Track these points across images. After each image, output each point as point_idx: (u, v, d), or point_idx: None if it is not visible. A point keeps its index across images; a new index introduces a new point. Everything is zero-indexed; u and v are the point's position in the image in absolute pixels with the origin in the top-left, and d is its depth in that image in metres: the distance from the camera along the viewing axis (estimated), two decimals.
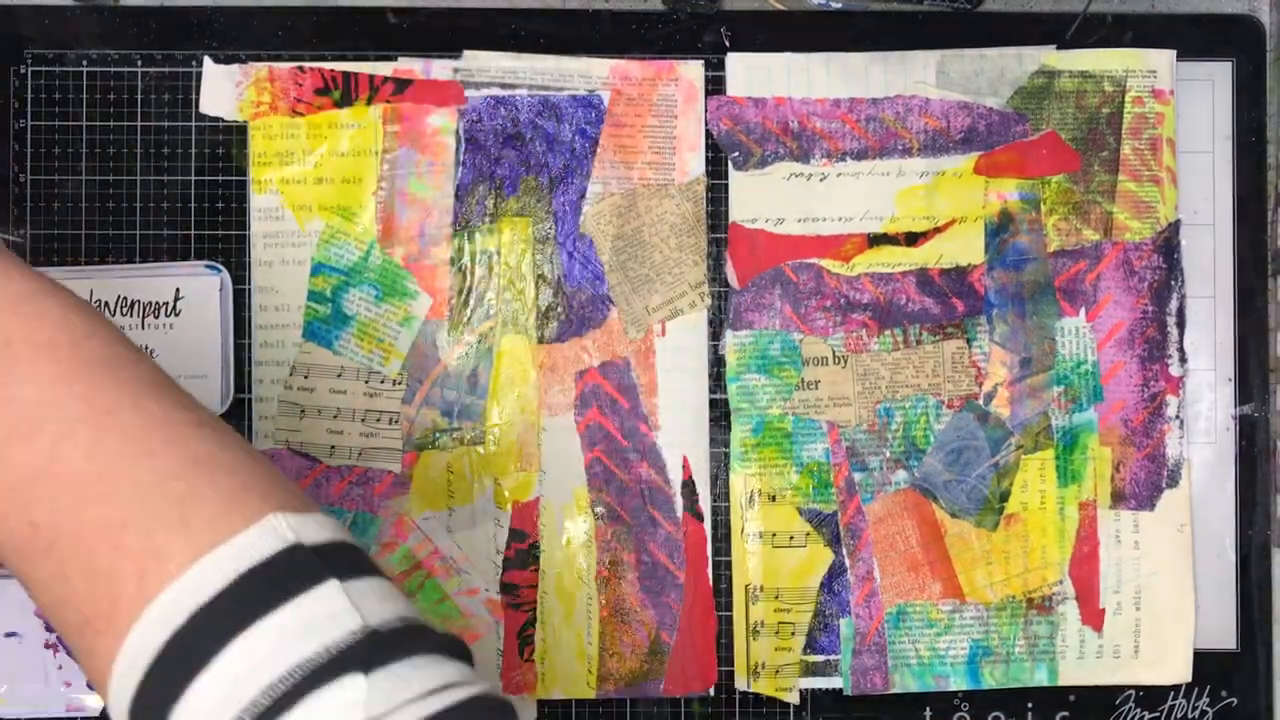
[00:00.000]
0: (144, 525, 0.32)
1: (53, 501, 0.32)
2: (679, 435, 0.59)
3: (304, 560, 0.32)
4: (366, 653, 0.30)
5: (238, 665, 0.29)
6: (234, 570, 0.31)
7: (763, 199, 0.59)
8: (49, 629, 0.57)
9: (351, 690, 0.29)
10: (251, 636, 0.30)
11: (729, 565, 0.59)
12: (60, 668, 0.58)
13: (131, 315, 0.58)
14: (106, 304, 0.58)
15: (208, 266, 0.58)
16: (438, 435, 0.58)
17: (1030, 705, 0.59)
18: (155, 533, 0.31)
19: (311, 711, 0.29)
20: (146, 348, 0.58)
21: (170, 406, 0.35)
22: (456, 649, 0.33)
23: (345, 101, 0.59)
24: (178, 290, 0.58)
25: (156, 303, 0.58)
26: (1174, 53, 0.60)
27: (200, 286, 0.58)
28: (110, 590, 0.31)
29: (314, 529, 0.33)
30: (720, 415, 0.59)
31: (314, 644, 0.30)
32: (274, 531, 0.32)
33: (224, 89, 0.59)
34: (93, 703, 0.58)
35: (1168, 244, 0.60)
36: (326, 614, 0.30)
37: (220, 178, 0.59)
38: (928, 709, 0.59)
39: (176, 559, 0.31)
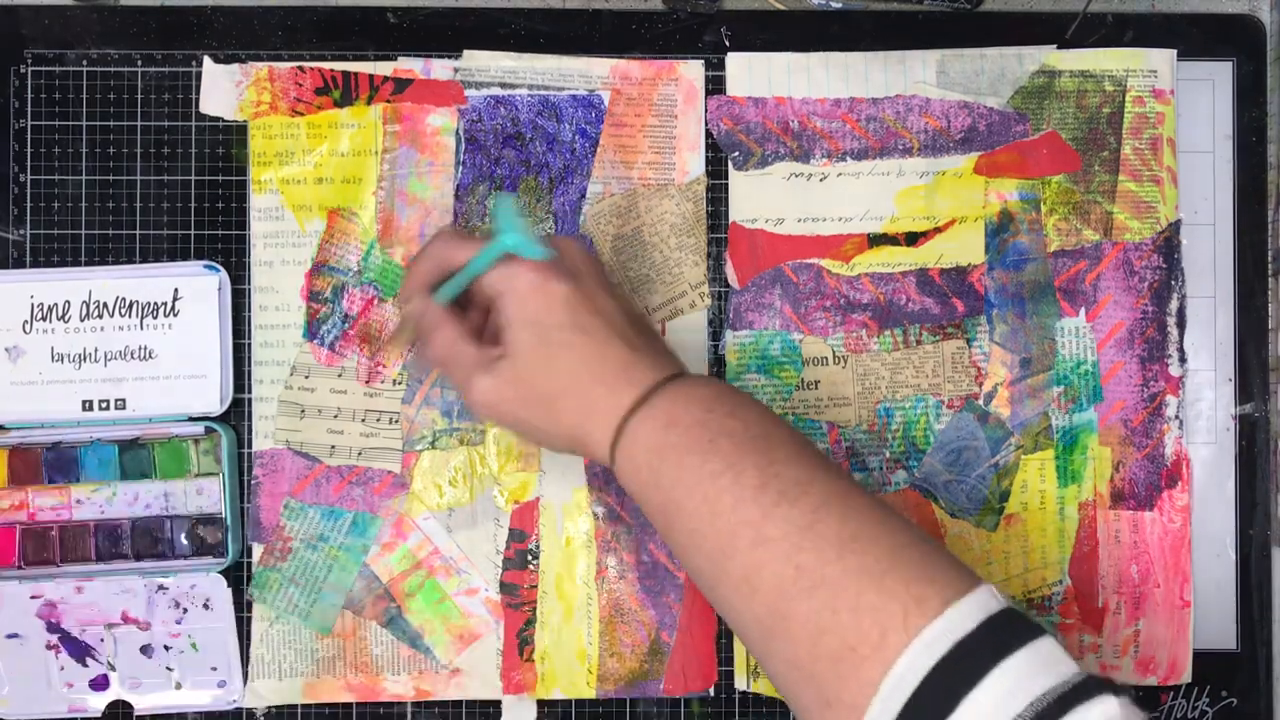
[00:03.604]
0: (901, 575, 0.39)
1: (818, 551, 0.40)
2: None
3: (1021, 618, 0.39)
4: (1100, 686, 0.37)
5: (999, 687, 0.36)
6: (978, 618, 0.38)
7: (763, 199, 0.59)
8: (50, 630, 0.58)
9: (1109, 706, 0.36)
10: (1004, 667, 0.37)
11: None
12: (62, 669, 0.58)
13: (130, 316, 0.58)
14: (105, 305, 0.58)
15: (206, 266, 0.58)
16: (438, 435, 0.58)
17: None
18: (911, 583, 0.39)
19: (1084, 715, 0.36)
20: (145, 348, 0.58)
21: (876, 501, 0.43)
22: (1124, 690, 0.39)
23: (345, 101, 0.59)
24: (176, 290, 0.58)
25: (155, 303, 0.58)
26: (1174, 52, 0.60)
27: (198, 286, 0.58)
28: (879, 622, 0.38)
29: (1007, 599, 0.40)
30: None
31: (1052, 678, 0.37)
32: (993, 596, 0.40)
33: (224, 89, 0.59)
34: (95, 703, 0.58)
35: (1168, 244, 0.60)
36: (1053, 658, 0.38)
37: (220, 177, 0.59)
38: None
39: (932, 603, 0.38)
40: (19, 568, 0.58)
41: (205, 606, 0.58)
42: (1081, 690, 0.36)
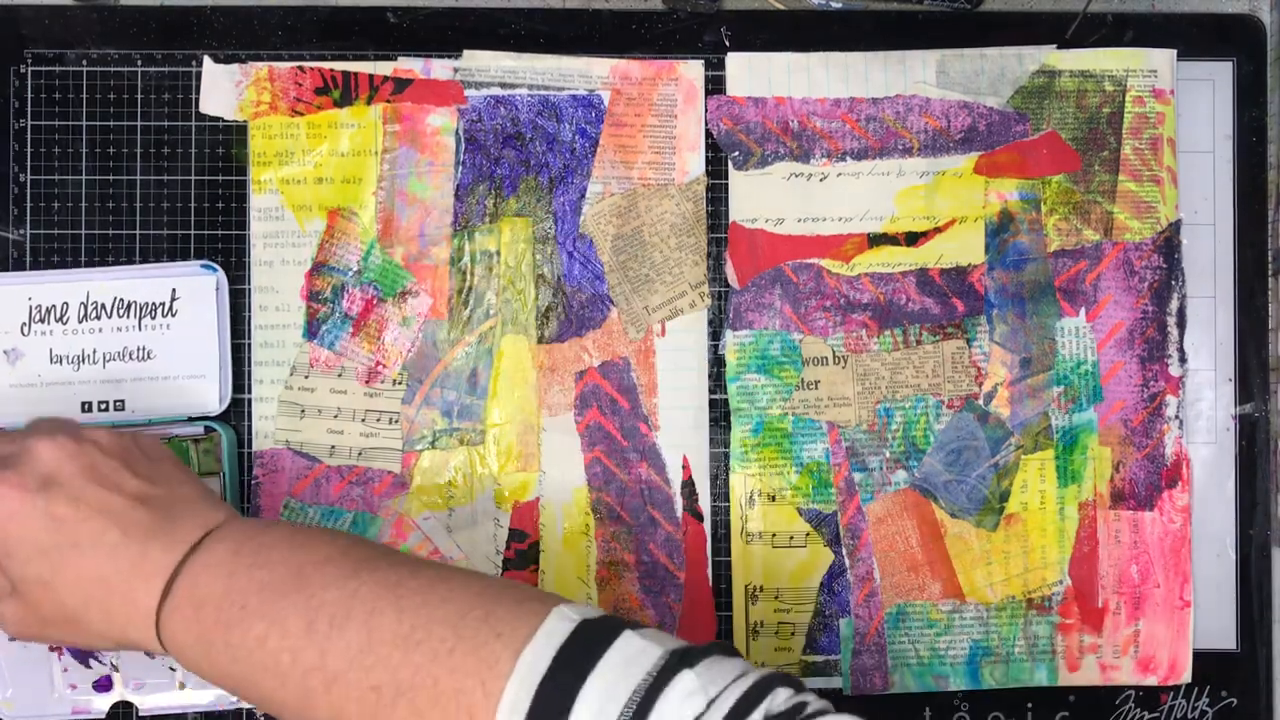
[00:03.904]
0: (468, 645, 0.39)
1: (385, 662, 0.40)
2: (679, 435, 0.59)
3: (597, 626, 0.40)
4: (681, 662, 0.38)
5: (592, 705, 0.37)
6: (552, 649, 0.39)
7: (763, 199, 0.59)
8: None
9: (688, 682, 0.37)
10: (592, 682, 0.37)
11: (729, 565, 0.59)
12: (65, 670, 0.58)
13: (128, 316, 0.58)
14: (103, 305, 0.58)
15: (203, 266, 0.58)
16: (438, 435, 0.58)
17: (1030, 705, 0.59)
18: (479, 649, 0.39)
19: (667, 705, 0.37)
20: (144, 349, 0.58)
21: (430, 568, 0.44)
22: (732, 650, 0.41)
23: (345, 101, 0.59)
24: (174, 291, 0.58)
25: (153, 303, 0.58)
26: (1174, 52, 0.60)
27: (196, 286, 0.58)
28: (462, 705, 0.39)
29: (587, 610, 0.41)
30: (720, 415, 0.59)
31: (640, 670, 0.38)
32: (565, 616, 0.40)
33: (224, 89, 0.59)
34: (99, 705, 0.58)
35: (1168, 244, 0.60)
36: (637, 650, 0.39)
37: (220, 177, 0.59)
38: (927, 709, 0.59)
39: (505, 659, 0.39)
40: None
41: None
42: (663, 676, 0.37)
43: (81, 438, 0.47)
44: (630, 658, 0.38)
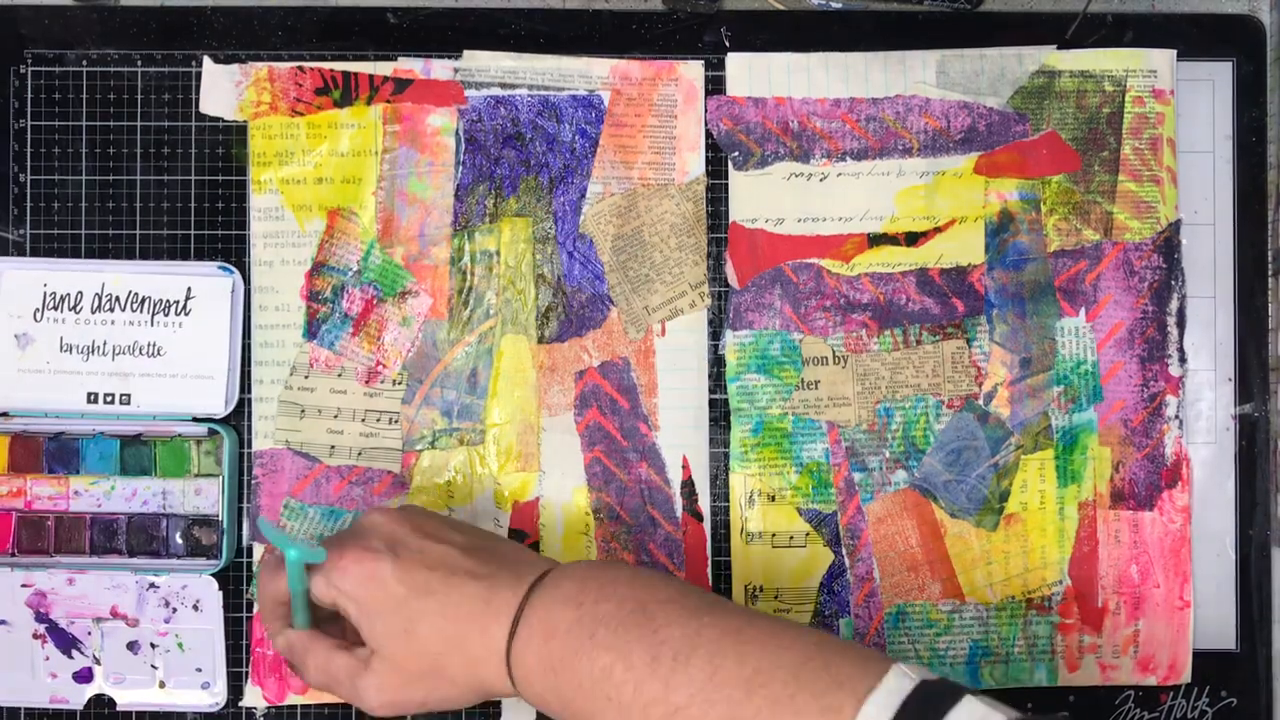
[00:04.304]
0: (810, 692, 0.40)
1: (728, 701, 0.41)
2: (679, 435, 0.59)
3: (938, 688, 0.40)
4: None
5: None
6: (895, 702, 0.39)
7: (763, 199, 0.59)
8: (37, 619, 0.58)
9: None
10: None
11: (729, 565, 0.59)
12: (47, 659, 0.58)
13: (142, 311, 0.58)
14: (118, 298, 0.58)
15: (220, 268, 0.58)
16: (438, 435, 0.58)
17: (1030, 705, 0.59)
18: (821, 695, 0.40)
19: None
20: (154, 345, 0.58)
21: (767, 618, 0.45)
22: None
23: (345, 101, 0.59)
24: (189, 289, 0.58)
25: (167, 300, 0.58)
26: (1174, 52, 0.60)
27: (212, 287, 0.58)
28: None
29: (925, 671, 0.41)
30: (720, 415, 0.59)
31: None
32: (905, 675, 0.40)
33: (224, 89, 0.59)
34: (77, 696, 0.58)
35: (1168, 244, 0.60)
36: (981, 715, 0.38)
37: (220, 178, 0.59)
38: None
39: (848, 707, 0.39)
40: (12, 554, 0.58)
41: (195, 608, 0.57)
42: None
43: (403, 508, 0.52)
44: None
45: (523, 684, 0.46)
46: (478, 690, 0.48)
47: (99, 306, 0.58)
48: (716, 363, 0.59)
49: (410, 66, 0.59)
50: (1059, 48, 0.60)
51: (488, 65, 0.59)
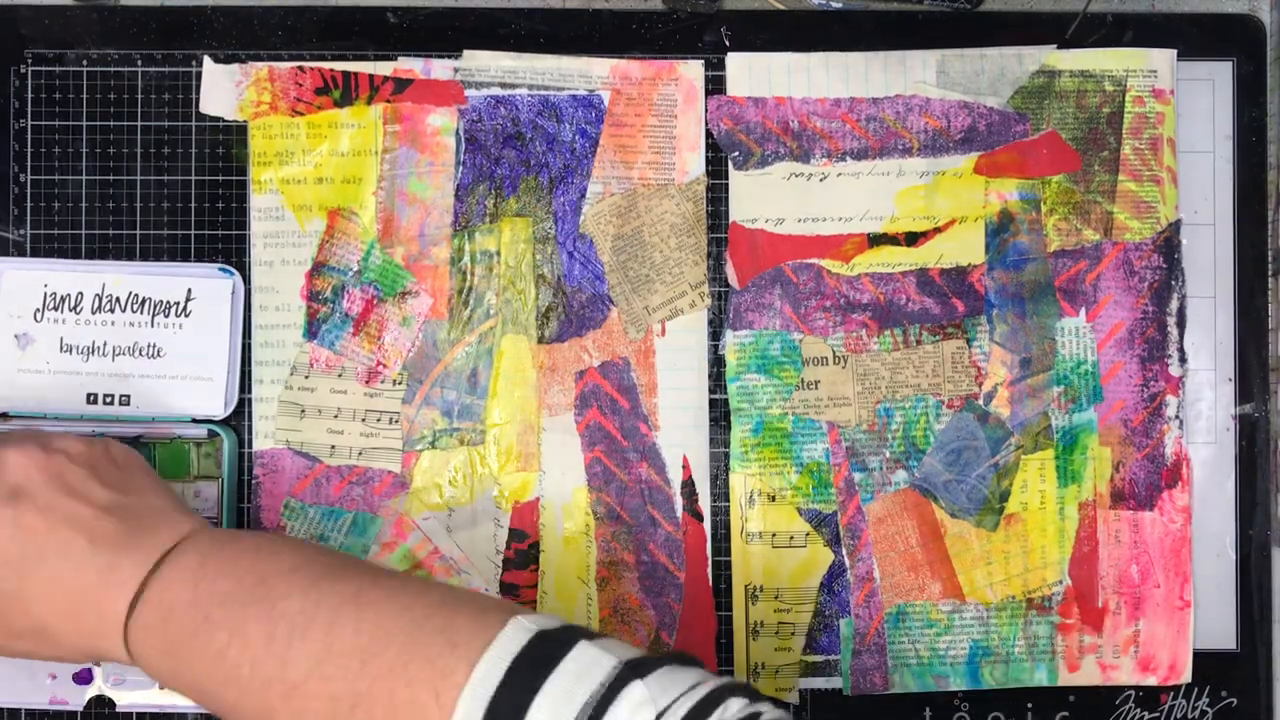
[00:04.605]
0: (424, 657, 0.39)
1: (343, 673, 0.40)
2: (679, 435, 0.59)
3: (553, 637, 0.40)
4: (633, 672, 0.38)
5: (544, 717, 0.37)
6: (506, 660, 0.38)
7: (763, 199, 0.59)
8: None
9: (637, 692, 0.37)
10: (545, 695, 0.37)
11: (729, 565, 0.59)
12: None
13: (142, 312, 0.58)
14: (118, 299, 0.58)
15: (220, 269, 0.58)
16: (438, 435, 0.58)
17: (1030, 705, 0.59)
18: (434, 660, 0.39)
19: (616, 717, 0.37)
20: (154, 346, 0.58)
21: (393, 577, 0.44)
22: (690, 659, 0.41)
23: (345, 101, 0.59)
24: (189, 291, 0.58)
25: (168, 302, 0.58)
26: (1174, 52, 0.60)
27: (212, 289, 0.58)
28: (417, 717, 0.38)
29: (545, 620, 0.41)
30: (720, 415, 0.59)
31: (593, 681, 0.38)
32: (521, 627, 0.40)
33: (224, 89, 0.59)
34: (76, 698, 0.58)
35: (1168, 244, 0.60)
36: (591, 660, 0.38)
37: (220, 178, 0.59)
38: (927, 709, 0.59)
39: (459, 671, 0.38)
40: None
41: None
42: (614, 686, 0.38)
43: (51, 447, 0.48)
44: (584, 668, 0.38)
45: (144, 663, 0.44)
46: (93, 655, 0.45)
47: (99, 307, 0.58)
48: (716, 363, 0.59)
49: (410, 66, 0.59)
50: (1059, 47, 0.60)
51: (488, 65, 0.59)
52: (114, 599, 0.44)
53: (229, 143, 0.59)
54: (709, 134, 0.59)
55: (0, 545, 0.44)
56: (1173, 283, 0.60)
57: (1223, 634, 0.60)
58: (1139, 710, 0.60)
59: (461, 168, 0.59)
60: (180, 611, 0.43)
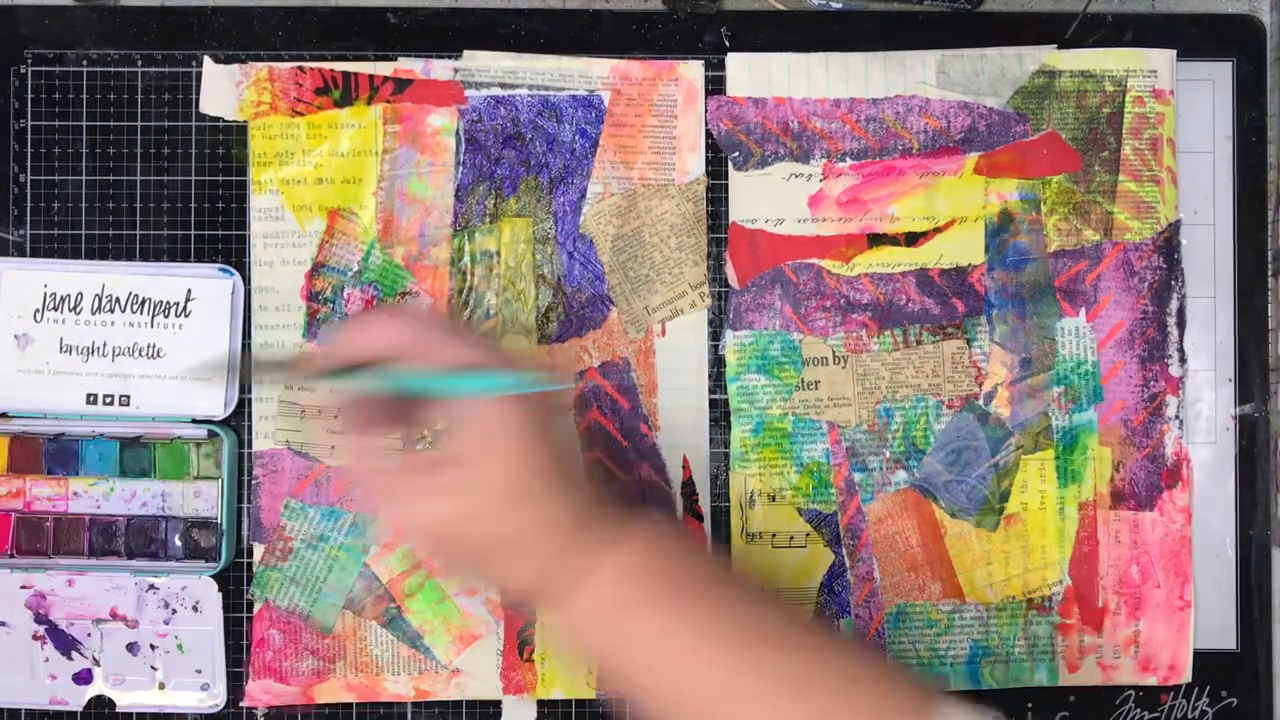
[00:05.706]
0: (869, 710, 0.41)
1: (773, 699, 0.41)
2: (679, 435, 0.59)
3: None
4: None
5: None
6: None
7: (763, 199, 0.59)
8: (38, 620, 0.57)
9: None
10: None
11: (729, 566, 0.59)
12: (46, 660, 0.58)
13: (141, 313, 0.58)
14: (118, 300, 0.58)
15: (220, 269, 0.58)
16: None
17: (1030, 705, 0.59)
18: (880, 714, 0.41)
19: None
20: (154, 346, 0.58)
21: (809, 621, 0.48)
22: None
23: (345, 101, 0.59)
24: (189, 291, 0.58)
25: (167, 302, 0.58)
26: (1174, 52, 0.60)
27: (212, 289, 0.58)
28: None
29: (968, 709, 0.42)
30: (720, 415, 0.59)
31: None
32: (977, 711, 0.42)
33: (224, 89, 0.59)
34: (76, 697, 0.58)
35: (1168, 244, 0.60)
36: None
37: (220, 178, 0.59)
38: None
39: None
40: (11, 556, 0.58)
41: (195, 609, 0.57)
42: None
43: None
44: None
45: (587, 612, 0.43)
46: (529, 595, 0.44)
47: (99, 307, 0.58)
48: (716, 363, 0.59)
49: (410, 66, 0.59)
50: (1059, 48, 0.60)
51: (488, 65, 0.59)
52: (594, 549, 0.43)
53: (229, 143, 0.59)
54: (709, 134, 0.59)
55: (541, 456, 0.43)
56: (1173, 283, 0.60)
57: (1223, 634, 0.60)
58: (1139, 710, 0.60)
59: (461, 168, 0.59)
60: (650, 576, 0.43)
